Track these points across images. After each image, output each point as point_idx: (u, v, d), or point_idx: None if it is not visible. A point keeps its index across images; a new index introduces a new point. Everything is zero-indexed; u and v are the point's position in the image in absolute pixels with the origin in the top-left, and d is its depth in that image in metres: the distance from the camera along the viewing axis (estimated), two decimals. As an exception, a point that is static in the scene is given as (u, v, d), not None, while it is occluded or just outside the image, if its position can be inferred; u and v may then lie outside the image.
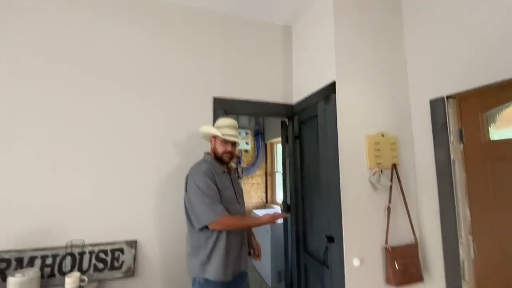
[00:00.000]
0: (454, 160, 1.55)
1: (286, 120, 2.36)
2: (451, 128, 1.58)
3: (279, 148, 4.44)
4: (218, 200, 1.42)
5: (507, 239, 1.36)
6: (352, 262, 1.54)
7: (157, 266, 1.78)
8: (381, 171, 1.65)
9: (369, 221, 1.63)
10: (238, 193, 1.62)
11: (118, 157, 1.79)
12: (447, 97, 1.60)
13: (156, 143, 1.88)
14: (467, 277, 1.48)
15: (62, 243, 1.60)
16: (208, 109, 2.03)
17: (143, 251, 1.76)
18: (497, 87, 1.38)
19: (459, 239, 1.50)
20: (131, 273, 1.69)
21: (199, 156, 1.92)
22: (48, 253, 1.56)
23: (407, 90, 1.83)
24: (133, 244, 1.73)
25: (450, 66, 1.58)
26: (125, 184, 1.78)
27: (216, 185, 1.46)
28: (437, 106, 1.63)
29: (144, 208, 1.79)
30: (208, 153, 1.67)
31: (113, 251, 1.68)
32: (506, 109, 1.39)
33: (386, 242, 1.62)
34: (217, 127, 1.61)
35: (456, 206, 1.52)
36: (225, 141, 1.56)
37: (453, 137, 1.57)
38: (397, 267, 1.57)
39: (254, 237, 1.80)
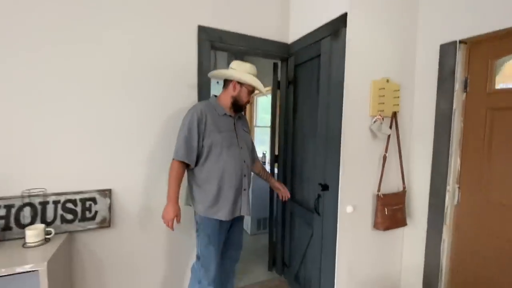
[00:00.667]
0: (455, 110, 1.52)
1: (279, 62, 2.11)
2: (458, 76, 1.50)
3: (259, 101, 4.22)
4: (191, 143, 1.36)
5: (493, 187, 1.42)
6: (345, 209, 1.53)
7: (137, 216, 1.62)
8: (383, 119, 1.58)
9: (364, 169, 1.60)
10: (241, 138, 1.50)
11: (89, 95, 1.46)
12: (460, 42, 1.49)
13: (132, 78, 1.55)
14: (448, 221, 1.57)
15: (18, 192, 1.33)
16: (192, 40, 1.69)
17: (119, 200, 1.56)
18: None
19: (446, 187, 1.55)
20: (107, 223, 1.51)
21: (183, 94, 1.67)
22: (0, 203, 1.29)
23: (416, 33, 1.68)
24: (107, 193, 1.51)
25: (464, 6, 1.43)
26: (96, 127, 1.49)
27: (205, 126, 1.37)
28: (447, 52, 1.52)
29: (119, 154, 1.55)
30: (215, 96, 1.53)
31: (83, 200, 1.46)
32: (520, 56, 1.33)
33: (379, 190, 1.63)
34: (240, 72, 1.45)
35: (449, 157, 1.53)
36: (252, 91, 1.46)
37: (458, 85, 1.51)
38: (386, 213, 1.60)
39: (276, 180, 1.83)
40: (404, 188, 1.71)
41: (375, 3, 1.52)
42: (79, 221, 1.45)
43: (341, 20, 1.45)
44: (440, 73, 1.56)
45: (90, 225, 1.47)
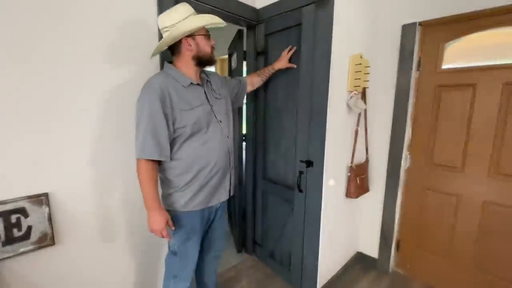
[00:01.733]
0: (411, 87, 1.72)
1: (245, 29, 1.89)
2: (414, 56, 1.68)
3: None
4: (159, 134, 1.04)
5: (436, 152, 1.72)
6: (328, 183, 1.58)
7: (89, 225, 1.22)
8: (360, 94, 1.64)
9: (342, 143, 1.66)
10: (218, 109, 1.22)
11: (6, 64, 0.92)
12: (419, 24, 1.65)
13: (71, 44, 1.06)
14: (401, 182, 1.84)
15: None
16: (149, -10, 1.29)
17: (63, 207, 1.13)
18: (464, 18, 1.50)
19: (402, 155, 1.79)
20: (49, 240, 1.09)
21: (139, 62, 1.30)
22: None
23: (382, 11, 1.77)
24: (42, 199, 1.07)
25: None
26: (21, 111, 0.98)
27: (172, 106, 1.07)
28: (408, 32, 1.67)
29: (56, 145, 1.09)
30: (170, 62, 1.17)
31: (5, 214, 0.99)
32: (461, 41, 1.58)
33: (352, 161, 1.74)
34: (181, 20, 1.08)
35: (406, 128, 1.76)
36: (208, 35, 1.12)
37: (414, 64, 1.70)
38: (358, 182, 1.75)
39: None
40: (367, 158, 1.89)
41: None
42: (3, 245, 0.99)
43: (329, -13, 1.37)
44: (401, 52, 1.72)
45: (23, 247, 1.02)
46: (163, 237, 1.10)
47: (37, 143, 1.04)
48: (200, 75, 1.22)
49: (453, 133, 1.63)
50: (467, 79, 1.56)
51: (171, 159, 1.11)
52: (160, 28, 1.11)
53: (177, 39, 1.09)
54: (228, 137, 1.26)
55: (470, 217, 1.63)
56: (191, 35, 1.09)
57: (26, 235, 1.03)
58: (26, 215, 1.03)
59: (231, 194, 1.31)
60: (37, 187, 1.06)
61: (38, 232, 1.06)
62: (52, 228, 1.09)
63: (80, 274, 1.20)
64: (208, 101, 1.19)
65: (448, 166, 1.68)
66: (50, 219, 1.09)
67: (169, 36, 1.07)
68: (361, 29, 1.66)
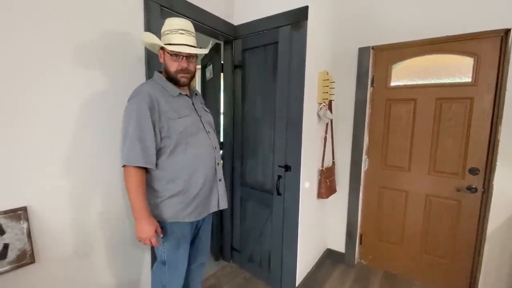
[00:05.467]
0: (367, 100, 2.01)
1: (222, 43, 1.99)
2: (369, 74, 1.99)
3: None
4: (146, 141, 1.04)
5: (388, 155, 2.03)
6: (304, 185, 1.74)
7: (72, 240, 1.15)
8: (327, 106, 1.86)
9: (314, 149, 1.85)
10: (206, 120, 1.27)
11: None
12: (372, 48, 1.96)
13: (60, 52, 1.03)
14: (362, 182, 2.11)
15: None
16: (138, 4, 1.31)
17: (43, 222, 1.05)
18: (405, 45, 1.85)
19: (362, 158, 2.06)
20: (28, 258, 1.00)
21: (128, 71, 1.31)
22: None
23: (341, 36, 2.05)
24: (20, 214, 0.99)
25: (375, 21, 1.90)
26: None
27: (160, 114, 1.08)
28: (364, 54, 1.97)
29: (36, 154, 1.02)
30: (160, 72, 1.20)
31: (-22, 233, 0.89)
32: (404, 63, 1.93)
33: (322, 165, 1.94)
34: (163, 34, 1.13)
35: (364, 135, 2.04)
36: (175, 54, 1.12)
37: (369, 81, 2.00)
38: (328, 184, 1.95)
39: None
40: (333, 162, 2.12)
41: (323, 4, 1.73)
42: (-24, 267, 0.88)
43: (303, 12, 1.56)
44: (358, 70, 2.01)
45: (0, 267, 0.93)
46: (151, 244, 1.08)
47: (10, 153, 0.97)
48: (189, 87, 1.26)
49: (401, 139, 1.96)
50: (410, 94, 1.90)
51: (159, 168, 1.11)
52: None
53: (146, 46, 1.21)
54: (215, 148, 1.28)
55: (416, 209, 1.95)
56: (162, 48, 1.14)
57: (3, 254, 0.94)
58: (2, 232, 0.94)
59: (220, 207, 1.30)
60: (13, 201, 0.97)
61: (16, 250, 0.97)
62: (31, 244, 1.01)
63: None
64: (197, 111, 1.23)
65: (398, 167, 2.00)
66: (29, 234, 1.00)
67: (144, 39, 1.17)
68: (327, 49, 1.91)
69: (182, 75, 1.15)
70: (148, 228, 1.06)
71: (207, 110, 1.33)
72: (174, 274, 1.22)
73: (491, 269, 1.63)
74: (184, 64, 1.14)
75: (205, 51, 1.19)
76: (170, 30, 1.11)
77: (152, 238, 1.07)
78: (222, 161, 1.31)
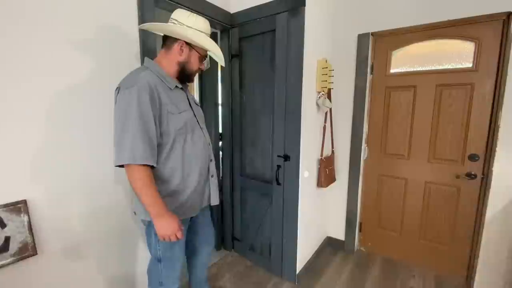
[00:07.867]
0: (367, 88, 1.99)
1: (219, 32, 1.95)
2: (369, 61, 1.96)
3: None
4: (150, 135, 0.96)
5: (388, 143, 2.02)
6: (303, 174, 1.74)
7: (75, 231, 1.16)
8: (326, 95, 1.84)
9: (313, 138, 1.85)
10: (199, 116, 1.23)
11: None
12: (371, 34, 1.92)
13: (48, 40, 1.00)
14: (361, 171, 2.11)
15: None
16: (130, -12, 1.28)
17: (44, 214, 1.06)
18: (405, 31, 1.82)
19: (361, 147, 2.06)
20: (30, 251, 1.01)
21: (118, 60, 1.27)
22: None
23: (340, 22, 2.01)
24: (20, 207, 0.99)
25: (374, 6, 1.86)
26: None
27: (160, 107, 1.00)
28: (363, 41, 1.94)
29: (33, 147, 1.02)
30: (153, 60, 1.11)
31: (-21, 226, 0.90)
32: (404, 50, 1.89)
33: (321, 154, 1.94)
34: (191, 28, 1.06)
35: (363, 124, 2.03)
36: (205, 56, 1.14)
37: (368, 69, 1.97)
38: (327, 173, 1.95)
39: None
40: (333, 151, 2.11)
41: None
42: (-21, 259, 0.89)
43: (300, -2, 1.53)
44: (357, 58, 1.98)
45: (2, 260, 0.94)
46: (177, 239, 1.01)
47: (10, 145, 0.96)
48: (182, 83, 1.19)
49: (401, 127, 1.95)
50: (409, 82, 1.88)
51: (159, 166, 1.03)
52: (172, 17, 1.07)
53: (178, 37, 1.06)
54: (209, 144, 1.25)
55: (415, 196, 1.96)
56: (189, 44, 1.08)
57: (5, 247, 0.95)
58: (2, 225, 0.95)
59: (211, 202, 1.27)
60: (13, 194, 0.98)
61: (17, 243, 0.98)
62: (33, 237, 1.02)
63: (66, 282, 1.13)
64: (191, 106, 1.17)
65: (397, 155, 2.00)
66: (30, 228, 1.01)
67: (175, 29, 1.04)
68: (326, 37, 1.87)
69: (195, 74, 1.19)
70: (171, 221, 0.98)
71: (198, 104, 1.28)
72: (171, 269, 1.19)
73: (490, 255, 1.65)
74: (203, 66, 1.18)
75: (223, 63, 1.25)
76: (199, 29, 1.07)
77: (177, 232, 1.00)
78: (214, 158, 1.28)
